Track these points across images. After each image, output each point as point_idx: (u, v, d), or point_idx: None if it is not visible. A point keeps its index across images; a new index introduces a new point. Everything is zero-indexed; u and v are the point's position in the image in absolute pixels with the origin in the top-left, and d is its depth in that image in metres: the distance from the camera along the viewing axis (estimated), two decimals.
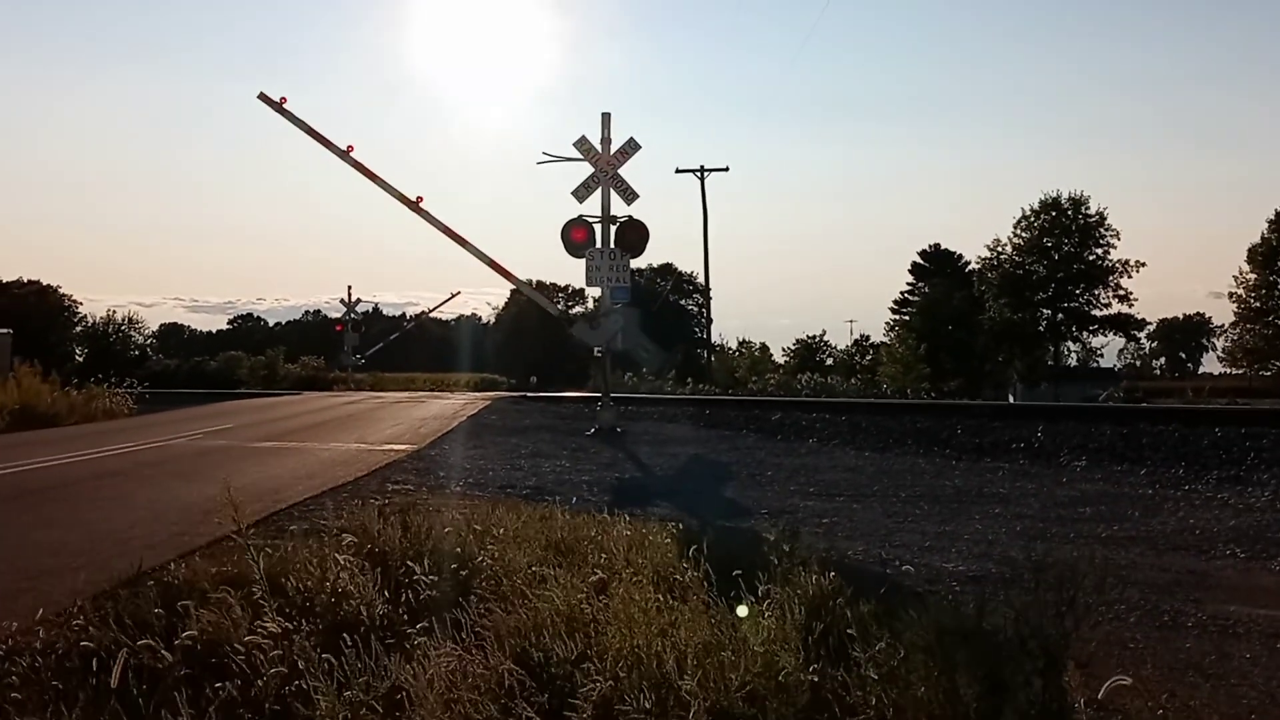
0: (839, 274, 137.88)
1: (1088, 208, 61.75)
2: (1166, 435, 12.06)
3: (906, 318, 73.88)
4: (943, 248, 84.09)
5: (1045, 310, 61.64)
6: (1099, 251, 61.82)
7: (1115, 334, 63.77)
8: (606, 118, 15.13)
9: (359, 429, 16.23)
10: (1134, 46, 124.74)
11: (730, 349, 71.82)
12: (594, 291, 15.61)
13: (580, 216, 15.04)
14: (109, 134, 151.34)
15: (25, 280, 75.37)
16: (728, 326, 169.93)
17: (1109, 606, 5.39)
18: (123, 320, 75.97)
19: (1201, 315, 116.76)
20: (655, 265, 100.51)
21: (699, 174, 48.85)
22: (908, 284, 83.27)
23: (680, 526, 6.99)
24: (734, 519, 8.29)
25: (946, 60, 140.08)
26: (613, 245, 15.00)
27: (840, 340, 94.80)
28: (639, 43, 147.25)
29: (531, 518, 6.47)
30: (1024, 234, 62.75)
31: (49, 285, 74.24)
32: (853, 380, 41.65)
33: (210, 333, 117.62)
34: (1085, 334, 63.51)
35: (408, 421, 17.95)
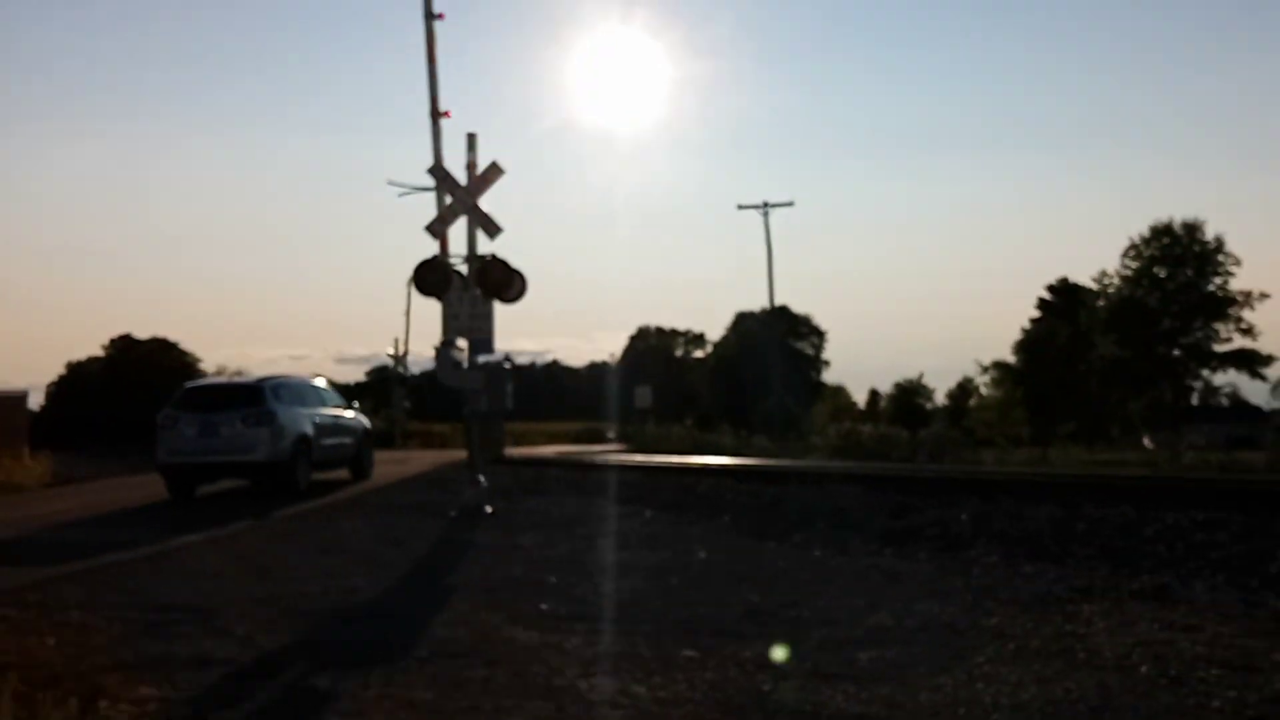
0: (974, 312, 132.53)
1: (1203, 234, 56.72)
2: (1109, 521, 9.11)
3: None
4: (1070, 281, 78.78)
5: (1160, 347, 56.44)
6: (1218, 281, 56.69)
7: (1239, 370, 58.22)
8: (472, 139, 12.87)
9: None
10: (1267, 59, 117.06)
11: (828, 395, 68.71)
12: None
13: (435, 256, 12.73)
14: (258, 192, 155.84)
15: (154, 338, 77.03)
16: (862, 369, 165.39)
17: None
18: (233, 373, 77.27)
19: None
20: (769, 308, 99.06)
21: (762, 210, 46.16)
22: (1030, 320, 78.28)
23: None
24: (354, 666, 5.85)
25: (1066, 85, 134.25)
26: (476, 289, 12.65)
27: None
28: (748, 83, 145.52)
29: None
30: (1133, 264, 57.92)
31: (171, 341, 75.68)
32: (918, 431, 38.16)
33: (348, 385, 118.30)
34: (1206, 371, 58.13)
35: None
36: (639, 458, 22.41)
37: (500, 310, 12.83)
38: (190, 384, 18.15)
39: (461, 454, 22.89)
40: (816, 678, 5.55)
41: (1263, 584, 7.15)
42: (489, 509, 12.78)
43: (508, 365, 12.86)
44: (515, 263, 12.67)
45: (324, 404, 18.65)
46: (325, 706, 5.21)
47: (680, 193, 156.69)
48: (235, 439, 15.99)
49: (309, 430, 17.13)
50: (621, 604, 7.66)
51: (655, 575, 8.71)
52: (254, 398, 16.49)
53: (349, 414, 19.65)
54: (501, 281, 12.53)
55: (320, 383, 19.69)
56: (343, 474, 19.48)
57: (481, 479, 13.00)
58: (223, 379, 18.64)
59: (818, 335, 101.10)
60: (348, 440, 19.15)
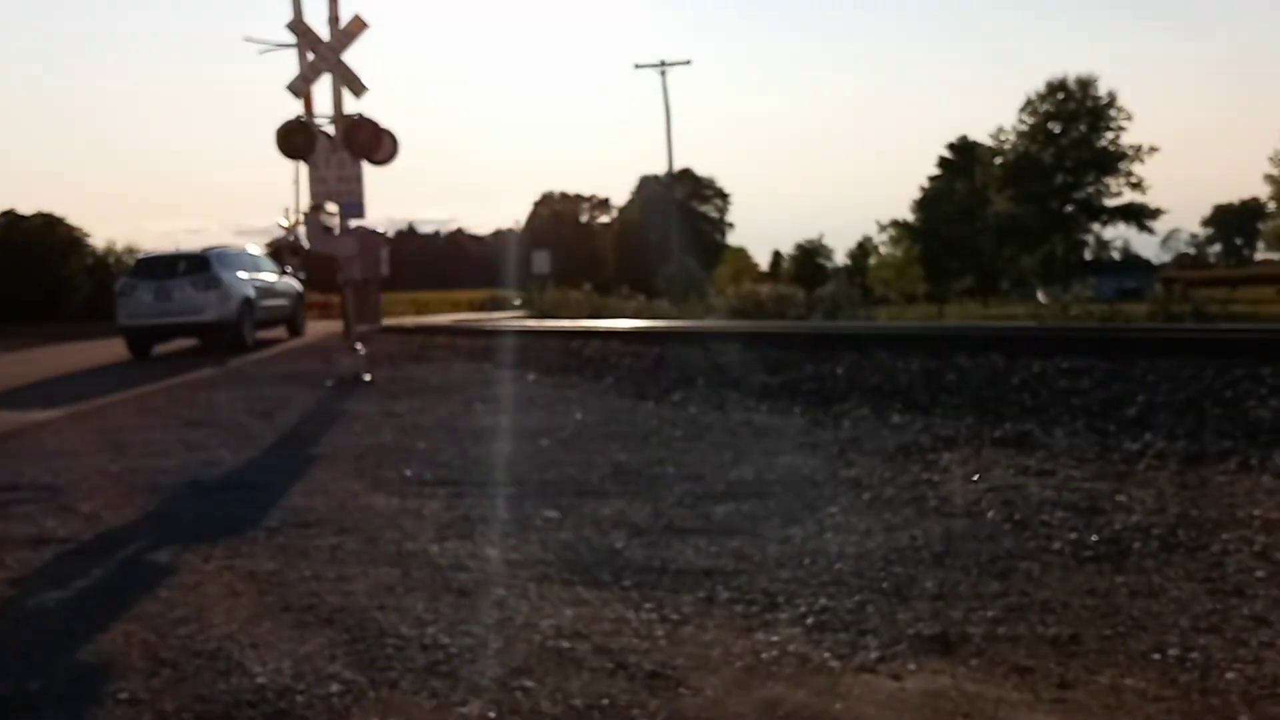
0: (878, 171, 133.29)
1: (1096, 90, 57.25)
2: (979, 371, 9.18)
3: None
4: (969, 139, 78.79)
5: (1054, 202, 57.29)
6: (1109, 137, 57.50)
7: (1129, 224, 59.53)
8: None
9: None
10: None
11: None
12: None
13: (299, 117, 12.15)
14: (150, 61, 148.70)
15: (40, 213, 73.08)
16: (767, 231, 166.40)
17: None
18: (123, 250, 74.22)
19: (1256, 200, 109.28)
20: (675, 172, 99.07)
21: (659, 69, 45.30)
22: (929, 178, 78.38)
23: None
24: (200, 540, 5.65)
25: None
26: (343, 150, 12.12)
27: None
28: None
29: None
30: (1029, 120, 58.43)
31: (58, 217, 72.45)
32: (812, 290, 38.41)
33: None
34: (1096, 225, 59.30)
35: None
36: (531, 323, 22.20)
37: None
38: (144, 255, 20.43)
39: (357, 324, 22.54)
40: (670, 533, 5.51)
41: (1119, 428, 7.26)
42: (367, 377, 12.51)
43: (382, 230, 12.46)
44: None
45: (260, 270, 20.64)
46: (160, 581, 5.03)
47: (584, 53, 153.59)
48: (187, 302, 18.11)
49: (251, 294, 19.26)
50: (488, 468, 7.55)
51: (527, 438, 8.59)
52: (202, 265, 18.62)
53: (284, 279, 21.76)
54: (369, 142, 12.02)
55: (256, 251, 21.58)
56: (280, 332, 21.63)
57: (359, 346, 12.69)
58: (172, 250, 20.10)
59: (722, 198, 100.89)
60: (284, 302, 21.38)
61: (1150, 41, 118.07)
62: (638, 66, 46.61)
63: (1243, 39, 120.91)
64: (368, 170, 12.39)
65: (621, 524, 5.73)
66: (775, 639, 3.94)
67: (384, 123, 12.37)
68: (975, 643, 3.79)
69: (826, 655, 3.75)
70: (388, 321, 24.72)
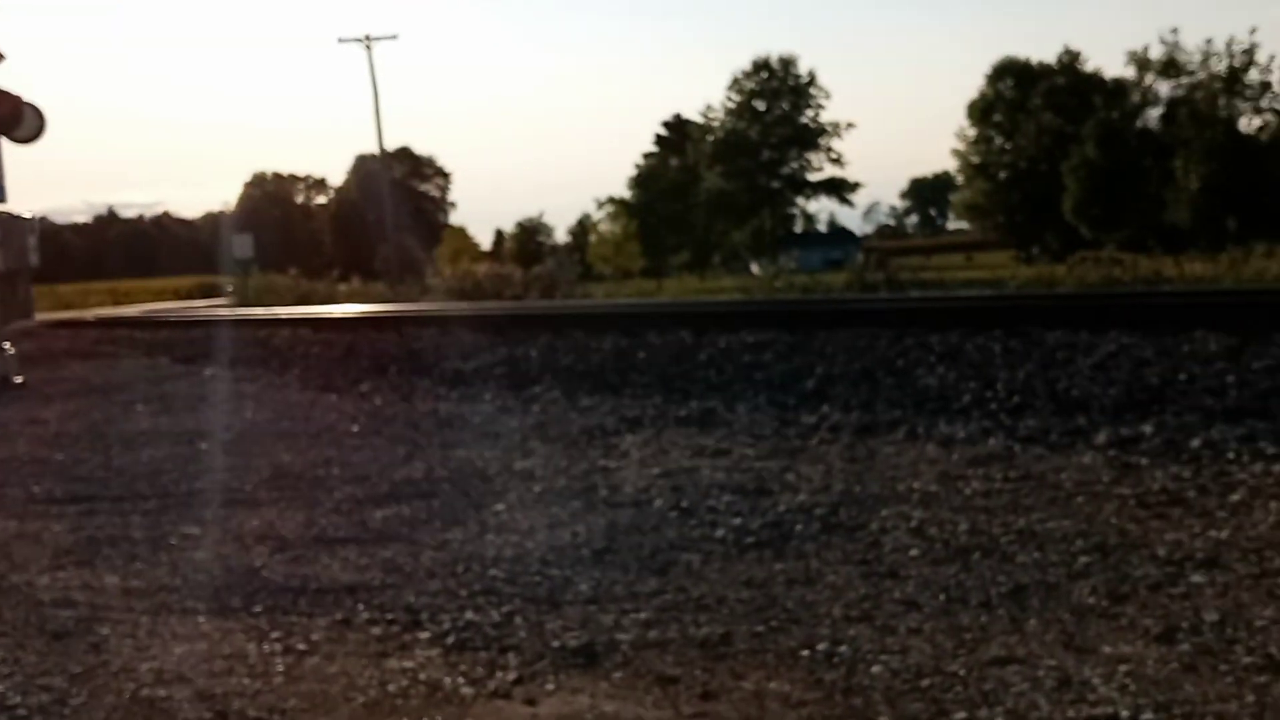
0: (599, 149, 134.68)
1: (797, 68, 59.78)
2: (668, 348, 9.08)
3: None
4: (683, 117, 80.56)
5: (761, 178, 59.68)
6: (810, 114, 60.33)
7: (830, 197, 62.78)
8: None
9: None
10: None
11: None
12: None
13: None
14: None
15: None
16: (490, 210, 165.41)
17: None
18: None
19: (947, 173, 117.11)
20: (382, 149, 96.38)
21: (365, 43, 43.79)
22: (644, 155, 79.59)
23: None
24: None
25: None
26: None
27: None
28: None
29: None
30: (736, 97, 60.53)
31: None
32: (530, 267, 38.23)
33: None
34: (801, 199, 62.36)
35: None
36: (224, 311, 20.90)
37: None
38: None
39: (48, 316, 20.68)
40: (319, 545, 5.02)
41: (799, 401, 7.26)
42: (19, 379, 11.24)
43: (29, 215, 11.19)
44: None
45: None
46: None
47: (292, 26, 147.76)
48: None
49: None
50: (132, 479, 6.78)
51: (185, 442, 7.83)
52: None
53: None
54: (8, 118, 10.67)
55: None
56: None
57: (7, 346, 11.38)
58: None
59: (443, 176, 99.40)
60: None
61: (846, 21, 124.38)
62: (341, 40, 44.91)
63: (926, 18, 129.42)
64: (28, 151, 11.07)
65: (267, 537, 5.19)
66: (409, 665, 3.53)
67: (30, 95, 11.09)
68: (622, 651, 3.51)
69: (461, 680, 3.38)
70: (70, 315, 22.89)
